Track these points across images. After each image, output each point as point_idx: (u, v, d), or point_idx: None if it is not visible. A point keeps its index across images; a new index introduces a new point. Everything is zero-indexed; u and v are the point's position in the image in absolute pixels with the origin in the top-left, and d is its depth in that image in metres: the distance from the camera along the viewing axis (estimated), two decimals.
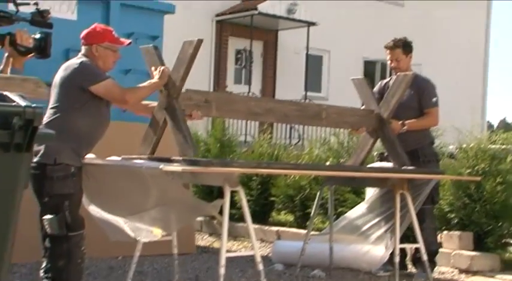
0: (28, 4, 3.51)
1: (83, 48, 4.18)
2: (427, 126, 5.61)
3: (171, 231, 4.47)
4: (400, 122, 5.34)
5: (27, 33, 3.56)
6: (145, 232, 4.24)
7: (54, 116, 3.99)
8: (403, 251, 5.58)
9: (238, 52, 15.80)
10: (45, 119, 3.98)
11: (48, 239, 3.92)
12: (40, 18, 3.53)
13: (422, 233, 5.06)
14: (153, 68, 4.22)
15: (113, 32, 4.22)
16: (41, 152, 3.90)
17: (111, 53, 4.17)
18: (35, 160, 3.91)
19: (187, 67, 4.12)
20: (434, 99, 5.57)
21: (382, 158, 5.61)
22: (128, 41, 4.27)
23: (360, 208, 5.47)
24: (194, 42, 4.09)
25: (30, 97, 2.23)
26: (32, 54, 3.59)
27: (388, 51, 5.63)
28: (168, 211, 4.06)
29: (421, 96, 5.55)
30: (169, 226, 4.28)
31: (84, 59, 4.08)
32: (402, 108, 5.47)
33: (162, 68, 4.17)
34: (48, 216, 3.87)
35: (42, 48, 3.57)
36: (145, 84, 4.19)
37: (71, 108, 3.98)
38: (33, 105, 2.11)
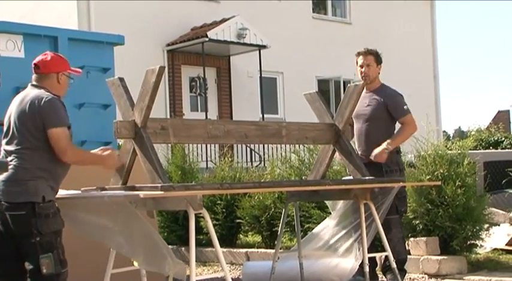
0: None
1: (40, 77, 3.99)
2: (409, 135, 5.58)
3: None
4: (381, 148, 5.34)
5: None
6: None
7: (30, 154, 3.84)
8: (373, 261, 5.60)
9: (192, 80, 15.80)
10: (17, 157, 3.85)
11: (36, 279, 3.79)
12: None
13: (390, 243, 5.09)
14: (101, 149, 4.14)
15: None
16: (23, 191, 3.77)
17: (67, 81, 4.09)
18: (16, 201, 3.77)
19: (152, 95, 4.04)
20: (405, 106, 5.57)
21: None
22: (79, 70, 4.23)
23: (327, 223, 5.48)
24: (156, 70, 4.01)
25: None
26: None
27: (360, 57, 5.64)
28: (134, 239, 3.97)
29: (391, 109, 5.54)
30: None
31: (51, 96, 3.90)
32: (373, 120, 5.51)
33: (110, 151, 4.07)
34: (45, 255, 3.77)
35: None
36: (93, 153, 4.09)
37: (48, 147, 3.85)
38: None
